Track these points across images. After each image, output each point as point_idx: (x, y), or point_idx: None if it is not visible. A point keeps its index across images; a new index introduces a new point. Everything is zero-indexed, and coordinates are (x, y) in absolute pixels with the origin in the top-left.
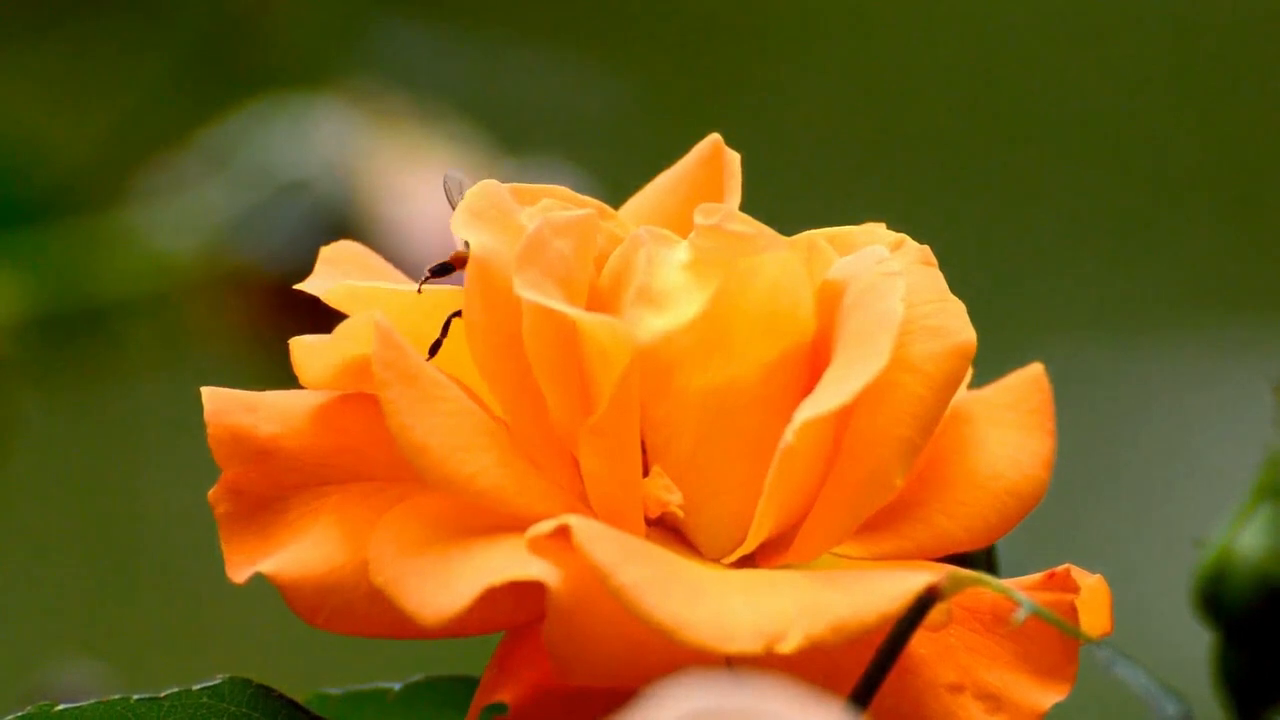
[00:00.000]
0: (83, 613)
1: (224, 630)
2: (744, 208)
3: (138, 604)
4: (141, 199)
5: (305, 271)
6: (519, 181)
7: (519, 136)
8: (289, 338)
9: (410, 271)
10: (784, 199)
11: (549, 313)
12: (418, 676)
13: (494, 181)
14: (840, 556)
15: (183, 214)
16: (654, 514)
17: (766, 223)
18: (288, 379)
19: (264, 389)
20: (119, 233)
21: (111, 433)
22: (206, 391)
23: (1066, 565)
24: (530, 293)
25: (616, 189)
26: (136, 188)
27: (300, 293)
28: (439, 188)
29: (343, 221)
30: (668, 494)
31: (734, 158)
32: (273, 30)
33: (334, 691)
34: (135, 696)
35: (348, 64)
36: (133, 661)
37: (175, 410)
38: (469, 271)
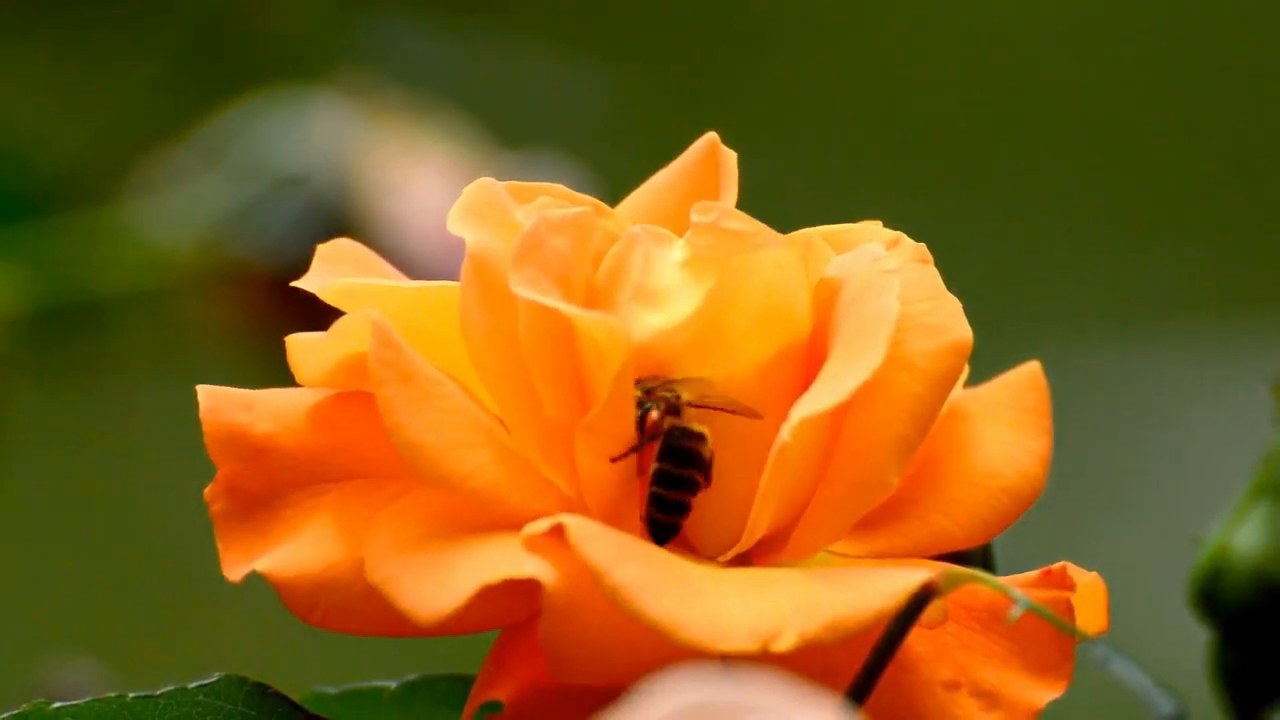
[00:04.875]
0: (79, 610)
1: (221, 628)
2: (742, 205)
3: (134, 601)
4: (138, 194)
5: (302, 266)
6: (516, 176)
7: (516, 131)
8: (286, 333)
9: (407, 266)
10: (782, 196)
11: (545, 310)
12: (414, 675)
13: (490, 179)
14: (836, 554)
15: (179, 209)
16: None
17: (764, 220)
18: (285, 374)
19: (261, 384)
20: (115, 228)
21: (108, 427)
22: (202, 389)
23: (1063, 563)
24: (526, 290)
25: (614, 185)
26: (133, 182)
27: (297, 288)
28: (435, 183)
29: (339, 216)
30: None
31: (730, 156)
32: (269, 25)
33: (330, 690)
34: (131, 695)
35: (344, 58)
36: (129, 659)
37: (172, 405)
38: (465, 269)
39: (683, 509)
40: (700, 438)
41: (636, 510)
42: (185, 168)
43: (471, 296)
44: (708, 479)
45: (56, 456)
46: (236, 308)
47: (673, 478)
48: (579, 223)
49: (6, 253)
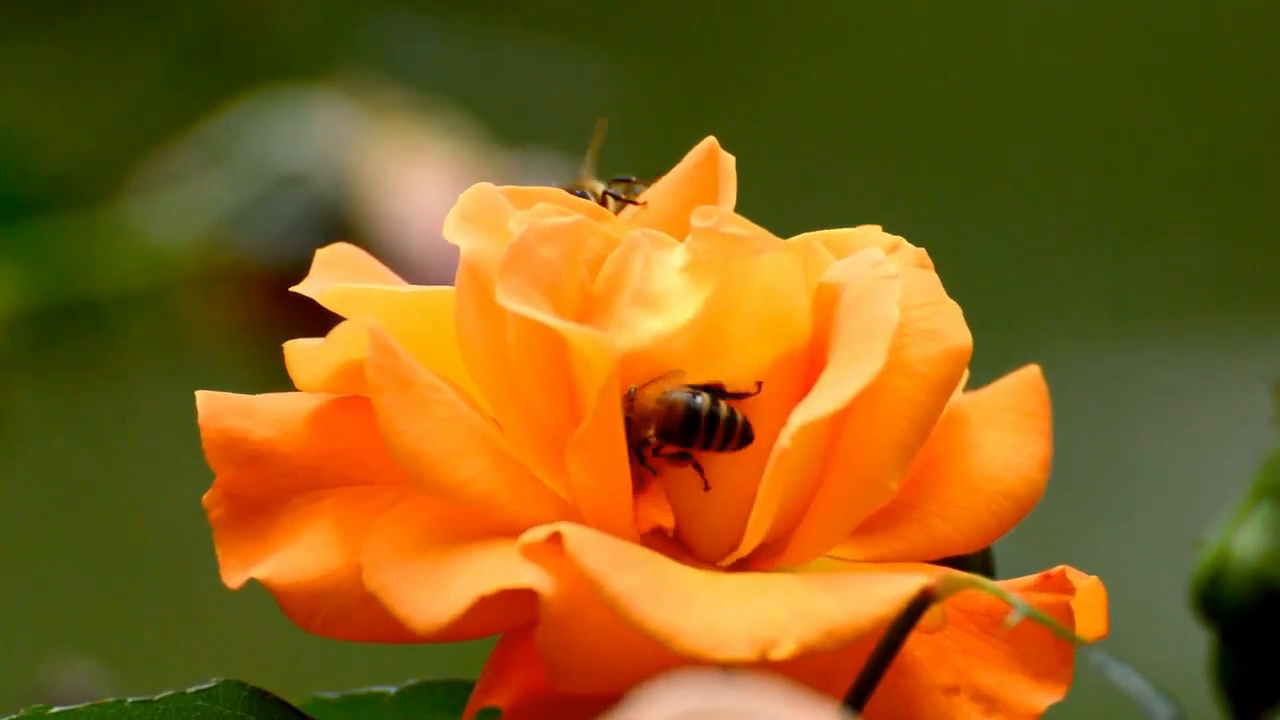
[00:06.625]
0: (79, 612)
1: (220, 631)
2: (743, 208)
3: (134, 604)
4: (138, 193)
5: (302, 265)
6: (517, 176)
7: (518, 130)
8: (287, 332)
9: (407, 266)
10: (783, 199)
11: (532, 322)
12: (413, 680)
13: (488, 184)
14: (836, 559)
15: (180, 208)
16: (645, 528)
17: (766, 224)
18: (285, 373)
19: (261, 383)
20: (116, 227)
21: (108, 428)
22: (201, 395)
23: (1062, 567)
24: (511, 301)
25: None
26: (133, 181)
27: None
28: (436, 181)
29: (340, 215)
30: (660, 515)
31: (729, 160)
32: (270, 23)
33: (330, 695)
34: (130, 700)
35: (345, 57)
36: (129, 662)
37: (172, 405)
38: (459, 276)
39: (736, 434)
40: (689, 407)
41: (632, 518)
42: (186, 167)
43: (466, 304)
44: (715, 403)
45: (56, 456)
46: (237, 307)
47: (711, 435)
48: (571, 231)
49: (6, 252)
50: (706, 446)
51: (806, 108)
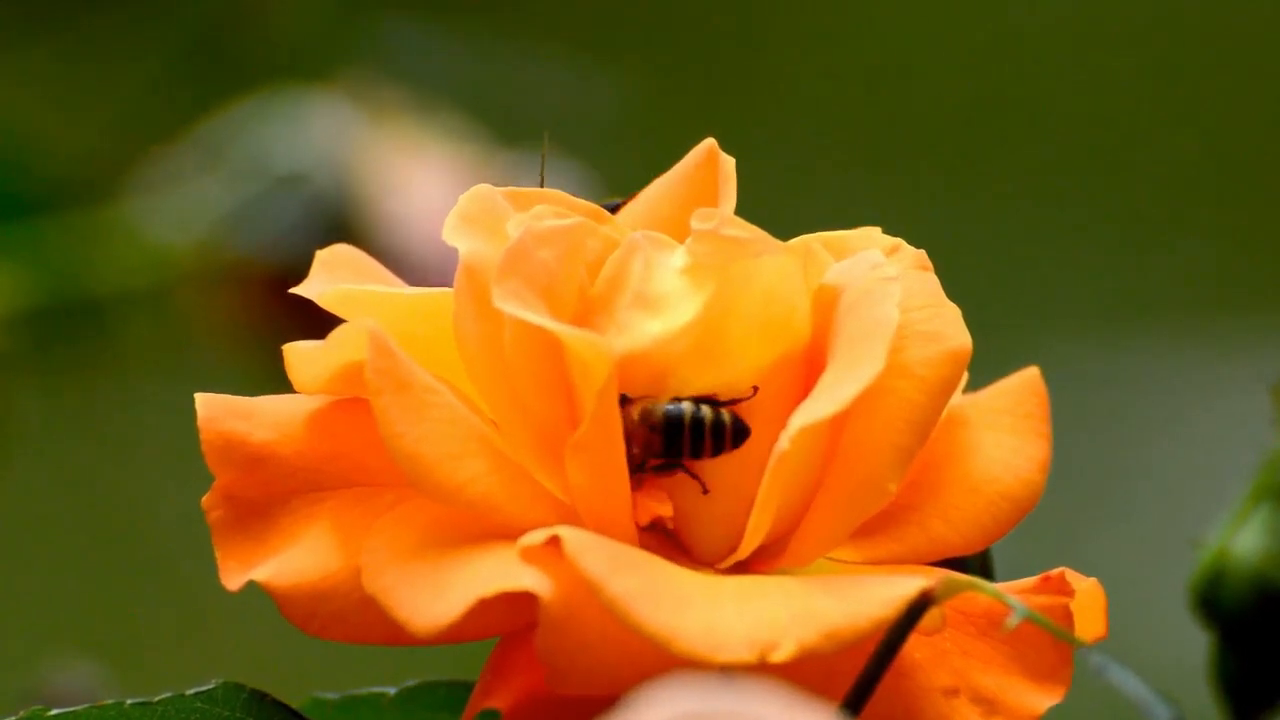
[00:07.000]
0: (79, 612)
1: (220, 633)
2: (744, 209)
3: (134, 605)
4: (139, 193)
5: (302, 265)
6: (519, 177)
7: (520, 133)
8: (287, 331)
9: (407, 267)
10: (783, 200)
11: (529, 325)
12: (413, 681)
13: (488, 186)
14: (835, 561)
15: (180, 208)
16: (644, 522)
17: (766, 225)
18: (285, 374)
19: (262, 382)
20: (116, 226)
21: (109, 426)
22: (200, 398)
23: (1061, 569)
24: (509, 304)
25: (619, 188)
26: (134, 181)
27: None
28: (436, 183)
29: (339, 215)
30: (659, 506)
31: (728, 161)
32: (270, 24)
33: (329, 696)
34: (129, 702)
35: (345, 58)
36: (128, 663)
37: (173, 404)
38: (458, 278)
39: (727, 436)
40: (668, 417)
41: (631, 521)
42: (186, 167)
43: (465, 306)
44: (698, 409)
45: (57, 456)
46: (237, 306)
47: (698, 443)
48: (569, 234)
49: (7, 251)
50: (697, 455)
51: (807, 110)
